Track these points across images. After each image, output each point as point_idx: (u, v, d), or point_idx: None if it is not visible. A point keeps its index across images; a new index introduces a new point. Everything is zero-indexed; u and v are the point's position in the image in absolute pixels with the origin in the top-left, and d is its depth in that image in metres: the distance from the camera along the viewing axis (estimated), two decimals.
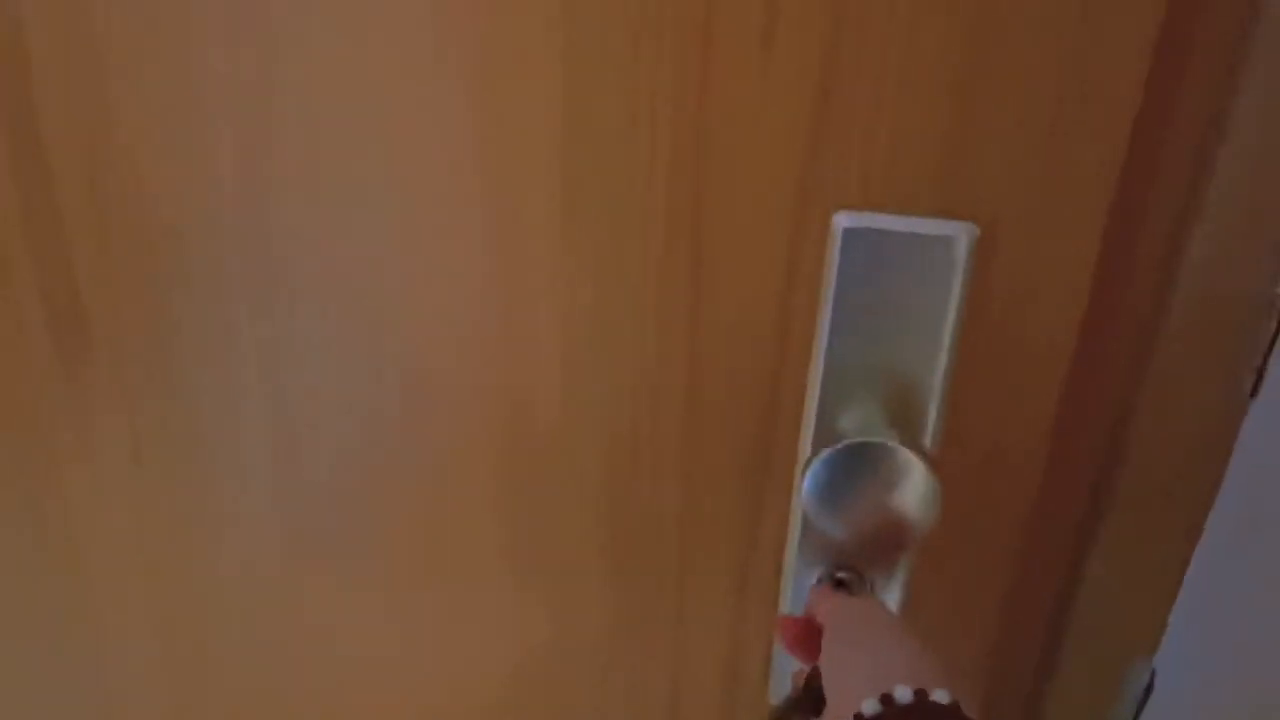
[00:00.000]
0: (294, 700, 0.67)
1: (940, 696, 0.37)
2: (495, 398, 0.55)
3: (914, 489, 0.44)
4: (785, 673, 0.56)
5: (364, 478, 0.59)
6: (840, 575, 0.52)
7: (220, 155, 0.51)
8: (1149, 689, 0.61)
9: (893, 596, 0.53)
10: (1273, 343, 0.50)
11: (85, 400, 0.58)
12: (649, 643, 0.60)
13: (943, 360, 0.48)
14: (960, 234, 0.46)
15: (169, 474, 0.60)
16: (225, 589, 0.64)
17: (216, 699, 0.68)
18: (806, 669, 0.47)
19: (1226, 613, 0.57)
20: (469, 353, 0.54)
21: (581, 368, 0.53)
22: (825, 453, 0.44)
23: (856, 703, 0.38)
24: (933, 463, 0.44)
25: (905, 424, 0.49)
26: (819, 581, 0.52)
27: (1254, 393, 0.51)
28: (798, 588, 0.53)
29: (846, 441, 0.44)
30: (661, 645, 0.60)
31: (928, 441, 0.49)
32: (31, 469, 0.61)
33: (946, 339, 0.48)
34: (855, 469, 0.45)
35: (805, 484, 0.45)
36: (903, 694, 0.37)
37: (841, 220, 0.47)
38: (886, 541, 0.48)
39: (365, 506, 0.60)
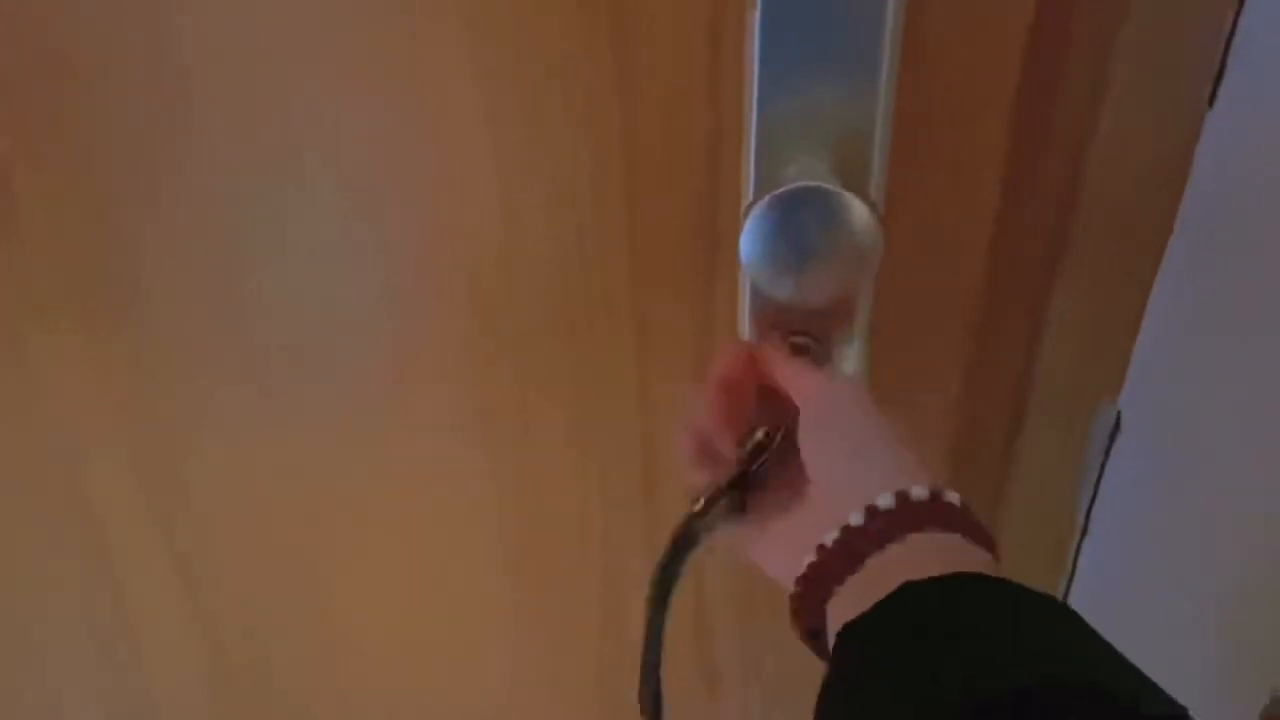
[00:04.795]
0: (281, 560, 0.68)
1: (953, 498, 0.37)
2: (432, 217, 0.53)
3: (854, 231, 0.42)
4: None
5: (315, 321, 0.57)
6: (796, 341, 0.51)
7: None
8: (1116, 429, 0.62)
9: (851, 362, 0.52)
10: (1228, 47, 0.47)
11: (22, 267, 0.56)
12: (617, 430, 0.60)
13: (882, 99, 0.45)
14: None
15: (122, 333, 0.58)
16: (206, 449, 0.63)
17: (214, 565, 0.69)
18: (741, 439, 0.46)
19: (1189, 347, 0.57)
20: (400, 173, 0.51)
21: (514, 163, 0.51)
22: (761, 202, 0.42)
23: (863, 495, 0.37)
24: (870, 201, 0.42)
25: (849, 172, 0.46)
26: None
27: (1211, 101, 0.48)
28: (771, 358, 0.52)
29: (780, 189, 0.42)
30: (629, 432, 0.60)
31: (874, 188, 0.47)
32: None
33: (884, 75, 0.44)
34: (794, 219, 0.43)
35: (743, 237, 0.43)
36: (919, 492, 0.36)
37: None
38: (836, 297, 0.47)
39: (326, 355, 0.58)
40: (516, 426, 0.60)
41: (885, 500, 0.36)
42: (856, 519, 0.36)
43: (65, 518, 0.66)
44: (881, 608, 0.31)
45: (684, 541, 0.44)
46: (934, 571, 0.32)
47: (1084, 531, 0.65)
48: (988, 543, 0.36)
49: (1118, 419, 0.61)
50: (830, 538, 0.36)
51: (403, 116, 0.50)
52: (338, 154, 0.51)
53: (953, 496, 0.37)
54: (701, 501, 0.44)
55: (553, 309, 0.55)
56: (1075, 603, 0.68)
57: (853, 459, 0.40)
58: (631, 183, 0.51)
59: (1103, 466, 0.63)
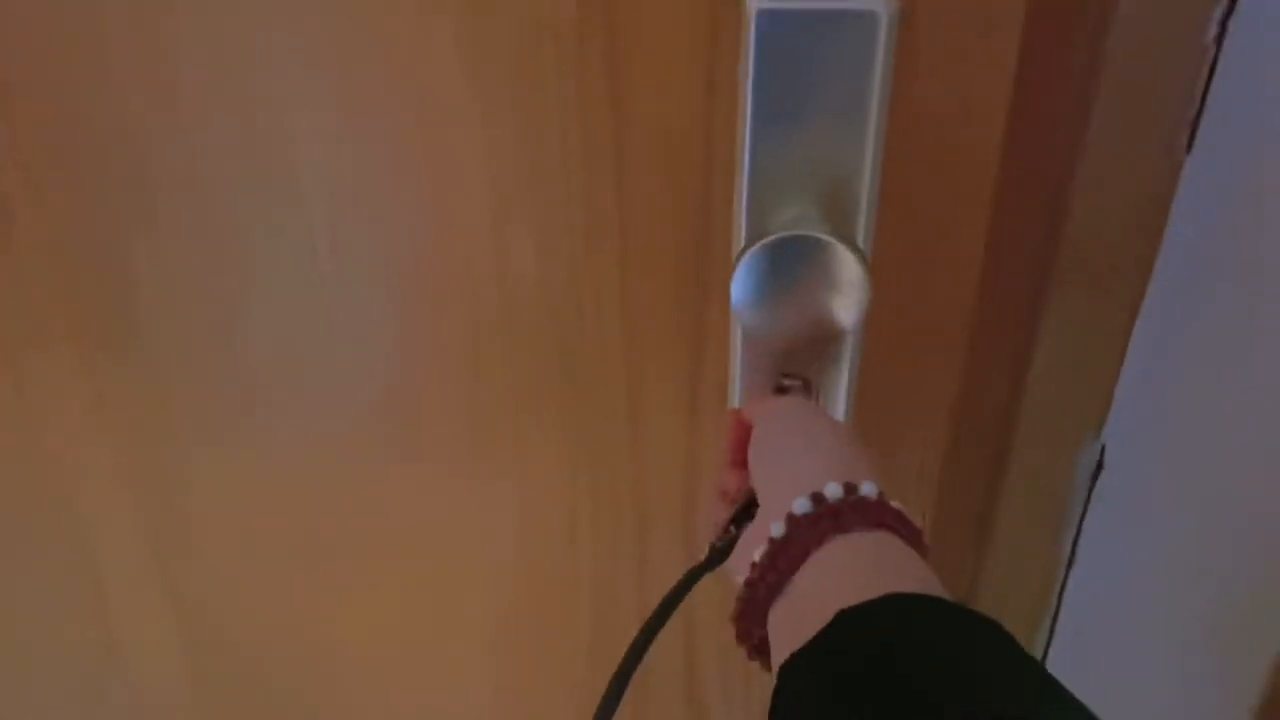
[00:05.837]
0: (273, 585, 0.67)
1: (869, 490, 0.37)
2: (428, 255, 0.53)
3: (841, 278, 0.43)
4: None
5: (312, 352, 0.57)
6: (785, 383, 0.51)
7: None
8: (1100, 466, 0.62)
9: (839, 400, 0.53)
10: (1205, 94, 0.48)
11: (21, 292, 0.56)
12: (610, 476, 0.60)
13: (870, 147, 0.46)
14: (879, 8, 0.43)
15: (119, 358, 0.58)
16: (200, 475, 0.63)
17: (206, 590, 0.68)
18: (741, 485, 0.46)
19: (1171, 384, 0.58)
20: (397, 217, 0.52)
21: (511, 209, 0.51)
22: (751, 250, 0.43)
23: (787, 504, 0.37)
24: (858, 249, 0.43)
25: (838, 219, 0.47)
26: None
27: (1189, 147, 0.49)
28: (745, 401, 0.53)
29: (770, 237, 0.43)
30: (622, 477, 0.60)
31: (861, 235, 0.48)
32: None
33: (873, 122, 0.46)
34: (783, 265, 0.44)
35: (734, 283, 0.44)
36: (833, 490, 0.36)
37: (755, 1, 0.44)
38: (824, 341, 0.47)
39: (322, 386, 0.58)
40: (510, 459, 0.60)
41: (801, 505, 0.36)
42: (778, 530, 0.36)
43: (58, 540, 0.66)
44: (818, 643, 0.31)
45: (686, 581, 0.44)
46: (863, 583, 0.32)
47: (1069, 566, 0.65)
48: (912, 534, 0.36)
49: (1102, 454, 0.62)
50: (759, 552, 0.37)
51: (403, 154, 0.50)
52: (334, 189, 0.52)
53: (869, 489, 0.37)
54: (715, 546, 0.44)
55: (546, 346, 0.56)
56: (1061, 637, 0.69)
57: (779, 466, 0.41)
58: (625, 224, 0.51)
59: (1087, 501, 0.63)
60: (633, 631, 0.68)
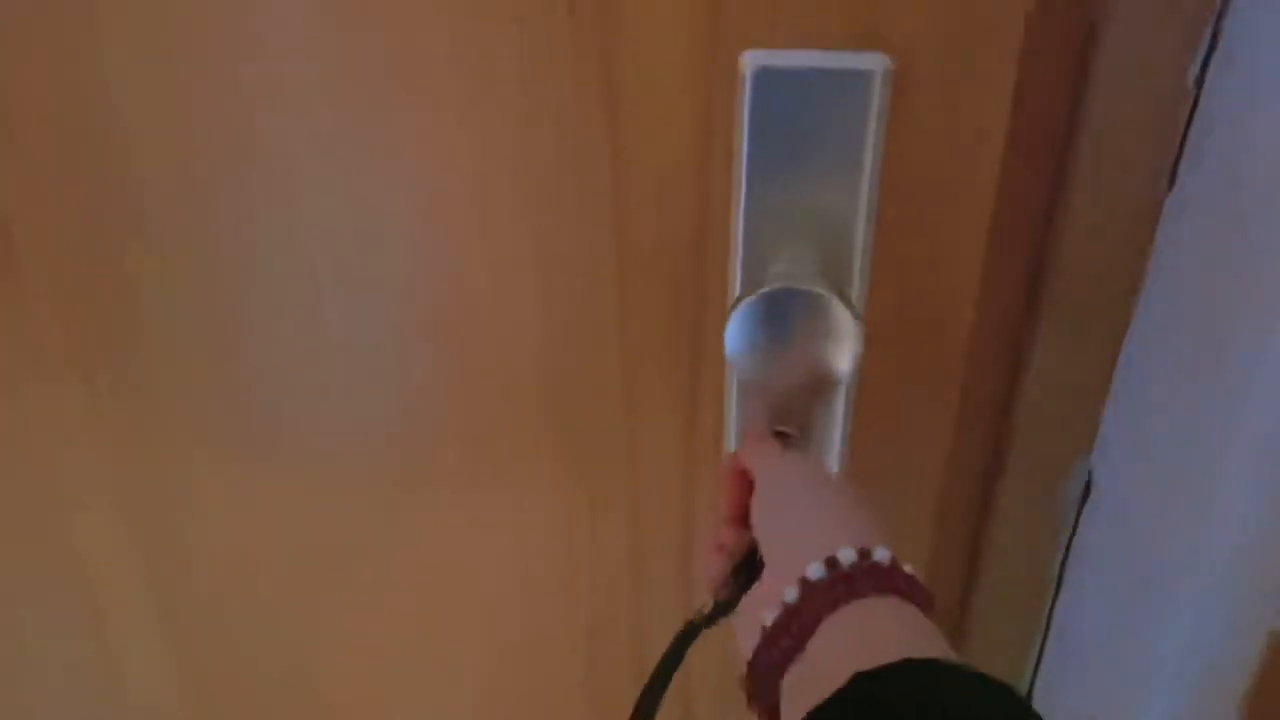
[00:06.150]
0: (265, 604, 0.68)
1: (882, 555, 0.37)
2: (432, 299, 0.54)
3: (835, 330, 0.44)
4: None
5: (310, 374, 0.58)
6: (780, 429, 0.52)
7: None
8: (1087, 491, 0.64)
9: (834, 445, 0.53)
10: (1185, 133, 0.49)
11: (19, 305, 0.56)
12: (607, 505, 0.61)
13: (865, 200, 0.47)
14: (874, 67, 0.44)
15: (121, 385, 0.59)
16: (198, 505, 0.63)
17: (202, 617, 0.69)
18: (738, 538, 0.46)
19: (1155, 412, 0.59)
20: (393, 234, 0.52)
21: (508, 248, 0.52)
22: (744, 302, 0.44)
23: (799, 567, 0.37)
24: (850, 304, 0.44)
25: (833, 270, 0.48)
26: None
27: (1170, 185, 0.51)
28: (741, 446, 0.54)
29: (764, 289, 0.43)
30: (619, 516, 0.61)
31: (856, 284, 0.48)
32: None
33: (867, 178, 0.46)
34: (777, 317, 0.44)
35: (728, 334, 0.44)
36: (847, 555, 0.36)
37: (751, 59, 0.44)
38: (819, 389, 0.48)
39: (318, 406, 0.59)
40: (508, 487, 0.61)
41: (815, 570, 0.36)
42: (791, 595, 0.37)
43: (55, 558, 0.66)
44: (832, 705, 0.31)
45: (687, 636, 0.44)
46: (878, 649, 0.33)
47: (1058, 588, 0.67)
48: (923, 598, 0.37)
49: (1089, 479, 0.63)
50: (772, 617, 0.37)
51: (400, 163, 0.51)
52: (331, 199, 0.52)
53: (882, 555, 0.37)
54: (710, 605, 0.44)
55: (546, 395, 0.56)
56: (1050, 659, 0.70)
57: (789, 527, 0.41)
58: (624, 266, 0.52)
59: (1075, 524, 0.64)
60: (629, 658, 0.68)
